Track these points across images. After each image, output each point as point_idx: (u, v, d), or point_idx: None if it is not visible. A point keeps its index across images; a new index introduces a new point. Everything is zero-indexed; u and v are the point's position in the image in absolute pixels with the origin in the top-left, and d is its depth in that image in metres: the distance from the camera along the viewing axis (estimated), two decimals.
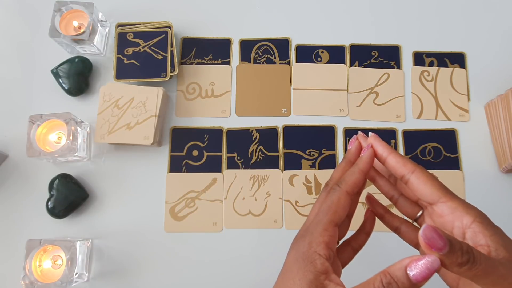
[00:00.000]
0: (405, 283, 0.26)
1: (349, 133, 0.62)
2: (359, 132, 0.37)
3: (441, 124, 0.63)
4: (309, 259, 0.29)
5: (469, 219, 0.29)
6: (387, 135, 0.62)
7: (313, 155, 0.62)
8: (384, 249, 0.60)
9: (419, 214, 0.35)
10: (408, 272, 0.25)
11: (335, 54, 0.66)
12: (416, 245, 0.36)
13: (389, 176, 0.37)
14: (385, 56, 0.65)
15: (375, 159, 0.35)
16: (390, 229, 0.37)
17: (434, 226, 0.24)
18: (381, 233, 0.59)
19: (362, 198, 0.61)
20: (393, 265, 0.27)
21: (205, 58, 0.65)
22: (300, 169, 0.61)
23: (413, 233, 0.36)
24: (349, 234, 0.38)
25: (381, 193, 0.37)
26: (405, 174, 0.32)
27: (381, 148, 0.34)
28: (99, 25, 0.63)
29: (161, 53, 0.62)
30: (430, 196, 0.31)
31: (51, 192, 0.58)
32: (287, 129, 0.62)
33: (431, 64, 0.65)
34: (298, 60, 0.65)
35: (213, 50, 0.66)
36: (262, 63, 0.65)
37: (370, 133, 0.35)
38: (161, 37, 0.63)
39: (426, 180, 0.31)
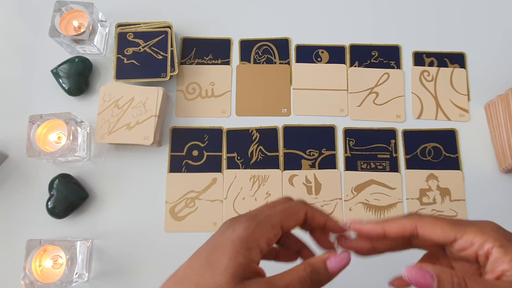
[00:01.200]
0: (323, 272, 0.30)
1: (349, 133, 0.62)
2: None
3: (441, 124, 0.63)
4: (248, 245, 0.29)
5: (488, 246, 0.29)
6: (387, 135, 0.62)
7: (313, 155, 0.62)
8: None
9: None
10: (326, 263, 0.30)
11: (335, 54, 0.66)
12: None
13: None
14: (385, 56, 0.65)
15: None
16: None
17: (417, 265, 0.26)
18: None
19: (362, 198, 0.60)
20: (314, 257, 0.31)
21: (205, 58, 0.65)
22: (300, 169, 0.61)
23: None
24: None
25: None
26: (412, 232, 0.32)
27: (372, 227, 0.33)
28: (99, 25, 0.63)
29: (161, 53, 0.62)
30: (444, 239, 0.31)
31: (51, 192, 0.58)
32: (287, 129, 0.62)
33: (431, 64, 0.65)
34: (298, 60, 0.65)
35: (213, 50, 0.66)
36: (262, 63, 0.65)
37: (350, 229, 0.34)
38: (161, 37, 0.63)
39: (433, 227, 0.31)
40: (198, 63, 0.65)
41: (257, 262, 0.30)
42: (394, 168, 0.61)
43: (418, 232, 0.31)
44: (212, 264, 0.28)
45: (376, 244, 0.34)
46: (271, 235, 0.31)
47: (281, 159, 0.61)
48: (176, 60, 0.62)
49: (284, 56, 0.66)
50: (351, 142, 0.62)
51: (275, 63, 0.65)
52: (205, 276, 0.28)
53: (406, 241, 0.34)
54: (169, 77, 0.61)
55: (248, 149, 0.62)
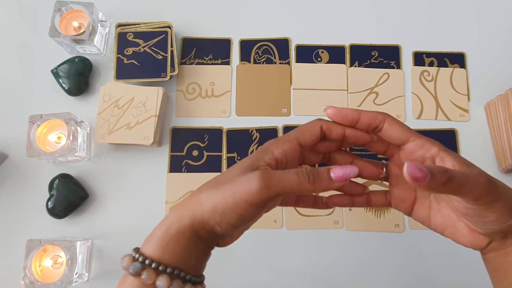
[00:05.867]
0: (325, 176, 0.32)
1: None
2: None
3: (441, 124, 0.63)
4: (263, 151, 0.34)
5: (435, 149, 0.34)
6: None
7: None
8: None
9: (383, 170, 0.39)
10: (330, 171, 0.32)
11: (335, 54, 0.66)
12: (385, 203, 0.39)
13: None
14: (385, 56, 0.65)
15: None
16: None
17: (414, 163, 0.28)
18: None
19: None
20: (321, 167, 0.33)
21: (205, 58, 0.65)
22: None
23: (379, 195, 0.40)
24: None
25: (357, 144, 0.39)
26: (379, 124, 0.36)
27: (350, 112, 0.36)
28: (99, 25, 0.63)
29: (161, 53, 0.62)
30: (401, 137, 0.36)
31: (51, 192, 0.58)
32: (287, 129, 0.62)
33: (431, 64, 0.65)
34: (298, 60, 0.65)
35: (213, 50, 0.66)
36: (262, 63, 0.65)
37: (325, 108, 0.37)
38: (161, 37, 0.63)
39: (397, 124, 0.36)
40: (198, 63, 0.65)
41: (267, 163, 0.33)
42: None
43: (384, 126, 0.36)
44: (233, 167, 0.33)
45: (348, 131, 0.37)
46: (287, 147, 0.34)
47: None
48: (176, 60, 0.62)
49: (284, 56, 0.66)
50: None
51: (275, 63, 0.65)
52: (225, 173, 0.33)
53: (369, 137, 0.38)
54: (169, 77, 0.61)
55: (248, 149, 0.62)
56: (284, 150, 0.34)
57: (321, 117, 0.38)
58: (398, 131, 0.36)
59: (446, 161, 0.33)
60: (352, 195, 0.39)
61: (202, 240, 0.33)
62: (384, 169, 0.38)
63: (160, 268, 0.30)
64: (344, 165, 0.33)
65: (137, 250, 0.32)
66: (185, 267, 0.32)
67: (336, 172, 0.32)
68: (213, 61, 0.65)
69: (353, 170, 0.32)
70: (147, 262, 0.30)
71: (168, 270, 0.30)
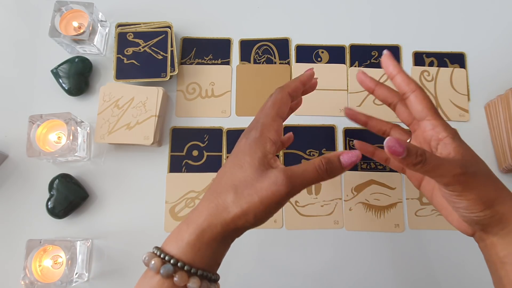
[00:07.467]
0: (338, 164, 0.36)
1: (349, 133, 0.62)
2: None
3: None
4: (261, 142, 0.36)
5: (444, 134, 0.37)
6: None
7: (313, 155, 0.62)
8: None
9: (408, 140, 0.44)
10: (340, 158, 0.36)
11: (335, 54, 0.66)
12: (402, 171, 0.46)
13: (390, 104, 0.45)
14: None
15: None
16: (380, 161, 0.49)
17: (396, 138, 0.31)
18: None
19: (362, 198, 0.60)
20: (329, 153, 0.37)
21: (205, 58, 0.65)
22: None
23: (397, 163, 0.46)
24: None
25: (381, 101, 0.46)
26: (407, 91, 0.39)
27: (392, 67, 0.40)
28: (99, 25, 0.63)
29: (161, 53, 0.62)
30: (420, 113, 0.39)
31: (51, 192, 0.58)
32: (287, 129, 0.62)
33: (431, 64, 0.65)
34: (298, 60, 0.65)
35: (213, 50, 0.66)
36: (262, 63, 0.65)
37: (384, 51, 0.41)
38: (161, 37, 0.63)
39: (422, 99, 0.39)
40: (198, 63, 0.65)
41: (272, 153, 0.36)
42: None
43: (410, 97, 0.39)
44: (239, 164, 0.36)
45: (377, 89, 0.44)
46: (276, 126, 0.38)
47: (281, 159, 0.61)
48: (176, 60, 0.62)
49: (284, 56, 0.66)
50: (351, 142, 0.62)
51: (275, 63, 0.65)
52: (236, 173, 0.36)
53: (395, 104, 0.44)
54: (169, 77, 0.61)
55: None
56: (275, 130, 0.38)
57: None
58: (420, 106, 0.38)
59: (447, 147, 0.37)
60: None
61: (231, 238, 0.36)
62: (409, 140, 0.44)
63: (192, 271, 0.32)
64: (350, 151, 0.37)
65: (161, 250, 0.34)
66: (211, 268, 0.34)
67: (345, 158, 0.36)
68: (213, 61, 0.65)
69: (357, 154, 0.36)
70: (179, 264, 0.32)
71: (199, 272, 0.32)
